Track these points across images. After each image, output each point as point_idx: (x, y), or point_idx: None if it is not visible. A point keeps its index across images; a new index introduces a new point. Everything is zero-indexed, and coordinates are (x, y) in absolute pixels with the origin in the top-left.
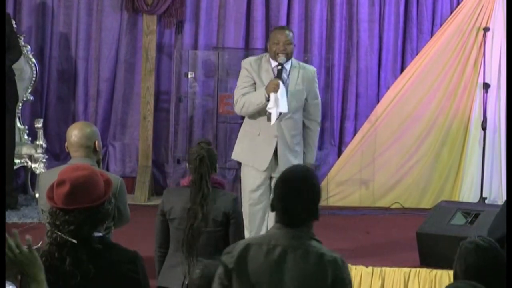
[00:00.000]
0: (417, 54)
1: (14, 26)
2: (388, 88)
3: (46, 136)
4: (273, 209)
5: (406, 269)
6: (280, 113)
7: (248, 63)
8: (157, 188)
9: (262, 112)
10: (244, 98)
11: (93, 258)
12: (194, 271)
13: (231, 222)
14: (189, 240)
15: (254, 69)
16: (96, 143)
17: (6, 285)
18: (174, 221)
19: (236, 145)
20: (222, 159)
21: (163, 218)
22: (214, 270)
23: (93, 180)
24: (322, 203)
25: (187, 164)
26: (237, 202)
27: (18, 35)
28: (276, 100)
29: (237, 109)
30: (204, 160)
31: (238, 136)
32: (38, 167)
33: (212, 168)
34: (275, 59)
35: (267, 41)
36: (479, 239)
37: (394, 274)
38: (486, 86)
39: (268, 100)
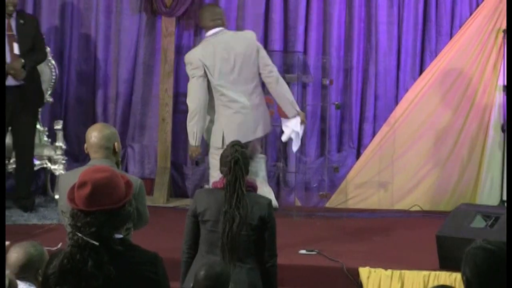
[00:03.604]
0: (436, 56)
1: None
2: (406, 90)
3: (65, 138)
4: None
5: (426, 272)
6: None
7: None
8: (175, 189)
9: None
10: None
11: (114, 259)
12: (199, 272)
13: (267, 227)
14: (228, 244)
15: None
16: (116, 144)
17: (27, 286)
18: (207, 223)
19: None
20: None
21: (194, 219)
22: (219, 270)
23: (114, 182)
24: (341, 205)
25: (220, 167)
26: (272, 207)
27: None
28: (296, 133)
29: (275, 83)
30: (238, 163)
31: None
32: (58, 169)
33: (246, 171)
34: None
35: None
36: (485, 243)
37: (414, 277)
38: (505, 88)
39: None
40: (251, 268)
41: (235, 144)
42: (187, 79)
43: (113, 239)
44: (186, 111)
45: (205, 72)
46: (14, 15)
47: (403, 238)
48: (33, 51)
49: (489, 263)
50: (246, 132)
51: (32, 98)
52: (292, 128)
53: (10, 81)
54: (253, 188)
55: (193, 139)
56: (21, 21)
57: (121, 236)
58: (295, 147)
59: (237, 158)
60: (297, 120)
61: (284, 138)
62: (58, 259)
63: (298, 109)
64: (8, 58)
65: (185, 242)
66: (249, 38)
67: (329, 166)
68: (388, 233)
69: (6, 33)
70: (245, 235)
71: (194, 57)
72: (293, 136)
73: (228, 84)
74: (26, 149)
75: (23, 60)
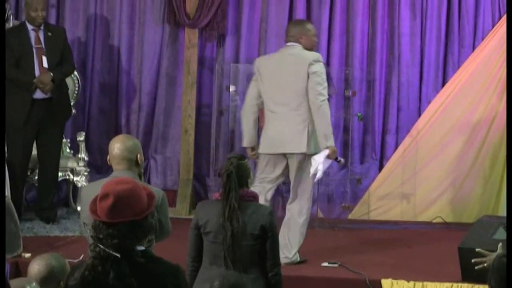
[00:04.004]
0: (458, 68)
1: None
2: (429, 102)
3: (88, 149)
4: None
5: (448, 284)
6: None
7: (320, 56)
8: (198, 201)
9: None
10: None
11: (136, 271)
12: (213, 283)
13: (269, 235)
14: (229, 255)
15: None
16: (138, 156)
17: None
18: (209, 234)
19: (310, 140)
20: None
21: (197, 231)
22: (234, 281)
23: (136, 194)
24: (363, 217)
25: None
26: (273, 216)
27: None
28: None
29: (325, 102)
30: (231, 176)
31: (307, 132)
32: (80, 180)
33: (242, 183)
34: (311, 49)
35: (293, 33)
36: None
37: None
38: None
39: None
40: (255, 278)
41: (232, 157)
42: (209, 90)
43: (135, 251)
44: (209, 123)
45: None
46: (42, 27)
47: (425, 250)
48: (61, 64)
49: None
50: None
51: (59, 111)
52: (317, 160)
53: (38, 94)
54: (254, 198)
55: None
56: (49, 34)
57: (143, 248)
58: (315, 178)
59: (230, 171)
60: (324, 153)
61: (311, 170)
62: (79, 271)
63: (329, 143)
64: (37, 71)
65: (189, 255)
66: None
67: (351, 178)
68: (410, 244)
69: (35, 46)
70: (247, 245)
71: None
72: (319, 167)
73: None
74: (51, 162)
75: (52, 74)
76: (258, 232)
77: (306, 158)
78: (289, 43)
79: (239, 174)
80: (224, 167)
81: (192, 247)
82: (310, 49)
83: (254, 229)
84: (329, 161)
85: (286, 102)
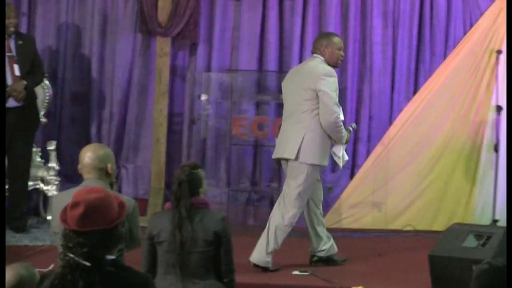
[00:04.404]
0: (430, 76)
1: None
2: (401, 110)
3: (59, 159)
4: None
5: None
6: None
7: (334, 71)
8: None
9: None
10: (343, 127)
11: (105, 281)
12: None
13: (222, 241)
14: (180, 262)
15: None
16: (109, 165)
17: None
18: (162, 244)
19: (303, 149)
20: (235, 181)
21: (151, 242)
22: None
23: (107, 203)
24: (335, 225)
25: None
26: (226, 221)
27: None
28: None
29: (336, 120)
30: (182, 184)
31: (302, 140)
32: (51, 190)
33: (194, 192)
34: (335, 65)
35: (320, 46)
36: (490, 262)
37: None
38: (499, 109)
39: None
40: (210, 284)
41: (185, 165)
42: (181, 99)
43: (105, 260)
44: (180, 132)
45: None
46: (13, 35)
47: (396, 258)
48: (31, 72)
49: (494, 279)
50: None
51: (30, 119)
52: (336, 153)
53: (11, 103)
54: (206, 205)
55: None
56: (20, 42)
57: (113, 257)
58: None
59: (182, 180)
60: (340, 147)
61: (336, 160)
62: (49, 279)
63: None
64: (9, 80)
65: (143, 266)
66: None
67: (323, 186)
68: (381, 253)
69: (6, 54)
70: (201, 251)
71: None
72: (337, 160)
73: None
74: (21, 170)
75: (25, 82)
76: (212, 238)
77: (295, 165)
78: (314, 55)
79: (191, 183)
80: (176, 176)
81: (146, 258)
82: (334, 63)
83: (207, 235)
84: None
85: (291, 112)
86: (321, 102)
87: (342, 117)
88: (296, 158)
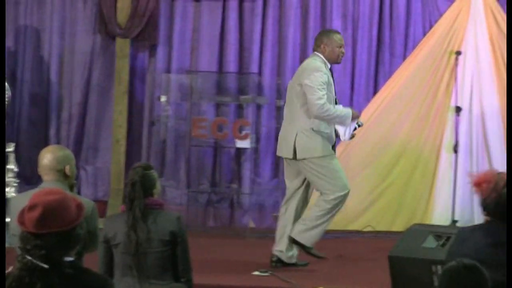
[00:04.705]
0: (389, 77)
1: None
2: (360, 111)
3: (17, 160)
4: None
5: None
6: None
7: (323, 66)
8: None
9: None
10: (330, 106)
11: (63, 283)
12: None
13: (179, 241)
14: (135, 262)
15: (327, 74)
16: (67, 167)
17: None
18: (118, 246)
19: (298, 148)
20: (194, 182)
21: (107, 245)
22: None
23: (65, 204)
24: None
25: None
26: (181, 221)
27: None
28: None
29: (320, 111)
30: (136, 185)
31: (307, 136)
32: (9, 192)
33: (148, 193)
34: (336, 62)
35: (321, 43)
36: (462, 260)
37: None
38: (458, 110)
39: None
40: (167, 284)
41: (137, 166)
42: (141, 100)
43: (63, 262)
44: (140, 133)
45: None
46: None
47: (356, 258)
48: None
49: (458, 279)
50: None
51: None
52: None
53: None
54: (160, 206)
55: None
56: None
57: (71, 259)
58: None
59: (135, 181)
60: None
61: (343, 138)
62: (6, 282)
63: (346, 122)
64: None
65: (100, 270)
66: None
67: (283, 187)
68: (341, 253)
69: None
70: (157, 251)
71: None
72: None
73: None
74: None
75: None
76: (168, 238)
77: (300, 164)
78: (314, 52)
79: (144, 184)
80: (129, 177)
81: (103, 261)
82: (334, 60)
83: (163, 235)
84: (354, 124)
85: (288, 110)
86: (307, 96)
87: (326, 108)
88: (294, 157)
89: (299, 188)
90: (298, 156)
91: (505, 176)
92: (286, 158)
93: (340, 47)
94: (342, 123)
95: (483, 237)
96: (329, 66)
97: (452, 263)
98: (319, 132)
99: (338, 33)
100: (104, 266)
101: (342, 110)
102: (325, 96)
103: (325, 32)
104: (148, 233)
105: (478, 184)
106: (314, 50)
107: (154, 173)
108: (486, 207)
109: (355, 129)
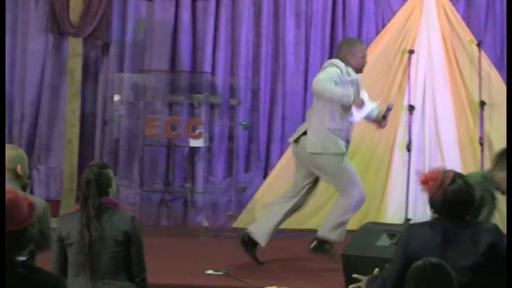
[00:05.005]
0: None
1: None
2: None
3: None
4: None
5: None
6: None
7: (340, 63)
8: None
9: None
10: (333, 85)
11: (16, 282)
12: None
13: (133, 241)
14: (88, 261)
15: (343, 72)
16: (19, 167)
17: None
18: (72, 245)
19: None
20: (148, 182)
21: (61, 244)
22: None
23: (16, 204)
24: (248, 225)
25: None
26: (136, 221)
27: None
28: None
29: (322, 86)
30: (90, 184)
31: (315, 132)
32: None
33: (103, 192)
34: (360, 71)
35: (342, 52)
36: (429, 259)
37: None
38: (411, 108)
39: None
40: (122, 284)
41: (93, 165)
42: (94, 100)
43: (15, 261)
44: (93, 133)
45: None
46: None
47: (310, 257)
48: None
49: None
50: None
51: None
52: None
53: None
54: (115, 205)
55: None
56: None
57: (24, 258)
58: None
59: (90, 179)
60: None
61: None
62: None
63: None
64: None
65: (54, 269)
66: None
67: (236, 186)
68: (295, 252)
69: None
70: (111, 251)
71: None
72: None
73: None
74: None
75: None
76: (122, 237)
77: (314, 157)
78: (335, 59)
79: (99, 182)
80: (84, 175)
81: (56, 261)
82: (359, 69)
83: (117, 235)
84: (364, 108)
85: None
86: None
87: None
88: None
89: (304, 188)
90: (309, 149)
91: (451, 174)
92: (299, 160)
93: (363, 57)
94: (340, 101)
95: (430, 234)
96: (351, 71)
97: (418, 262)
98: (332, 130)
99: (361, 43)
100: (58, 266)
101: (342, 90)
102: (333, 83)
103: (347, 43)
104: (102, 232)
105: (424, 182)
106: (336, 57)
107: (110, 172)
108: (432, 204)
109: (387, 110)
